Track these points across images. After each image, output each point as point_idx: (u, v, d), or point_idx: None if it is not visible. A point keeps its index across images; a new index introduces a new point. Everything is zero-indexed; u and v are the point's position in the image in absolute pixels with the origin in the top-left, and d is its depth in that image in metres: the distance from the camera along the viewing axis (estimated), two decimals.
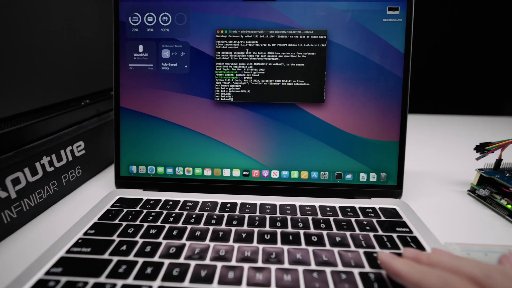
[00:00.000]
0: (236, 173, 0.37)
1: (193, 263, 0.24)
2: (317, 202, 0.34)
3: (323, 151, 0.36)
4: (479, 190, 0.36)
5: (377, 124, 0.36)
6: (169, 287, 0.22)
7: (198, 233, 0.28)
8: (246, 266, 0.24)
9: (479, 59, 0.86)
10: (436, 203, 0.36)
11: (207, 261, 0.25)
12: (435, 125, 0.71)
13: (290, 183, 0.37)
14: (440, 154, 0.53)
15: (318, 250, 0.26)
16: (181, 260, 0.25)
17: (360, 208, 0.33)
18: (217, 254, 0.25)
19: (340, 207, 0.33)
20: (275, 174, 0.37)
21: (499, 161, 0.37)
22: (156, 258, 0.25)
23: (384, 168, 0.36)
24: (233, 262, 0.24)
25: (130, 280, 0.23)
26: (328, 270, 0.24)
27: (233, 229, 0.29)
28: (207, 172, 0.37)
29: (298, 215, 0.32)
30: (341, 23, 0.35)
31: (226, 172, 0.37)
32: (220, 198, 0.35)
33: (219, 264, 0.24)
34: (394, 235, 0.28)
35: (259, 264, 0.24)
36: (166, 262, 0.24)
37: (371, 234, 0.28)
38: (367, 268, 0.24)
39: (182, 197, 0.35)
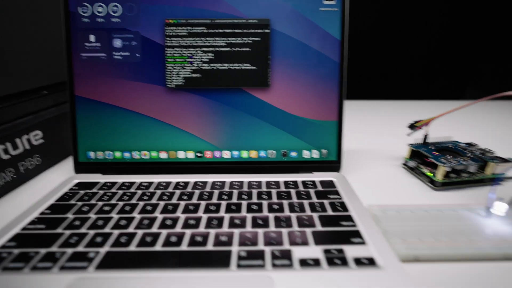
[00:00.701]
0: (190, 154, 0.39)
1: (140, 232, 0.27)
2: (264, 178, 0.37)
3: (269, 132, 0.39)
4: (408, 162, 0.41)
5: (318, 105, 0.39)
6: (116, 252, 0.24)
7: (149, 207, 0.31)
8: (189, 231, 0.27)
9: (444, 46, 0.91)
10: (371, 175, 0.41)
11: (154, 229, 0.27)
12: (388, 109, 0.76)
13: (240, 162, 0.40)
14: (385, 134, 0.57)
15: (256, 216, 0.29)
16: (130, 230, 0.27)
17: (302, 181, 0.37)
18: (164, 223, 0.28)
19: (285, 181, 0.36)
20: (226, 154, 0.40)
21: (425, 136, 0.42)
22: (107, 230, 0.27)
23: (325, 145, 0.40)
24: (178, 229, 0.27)
25: (80, 248, 0.25)
26: (261, 231, 0.27)
27: (183, 203, 0.32)
28: (163, 155, 0.39)
29: (245, 189, 0.35)
30: (282, 12, 0.38)
31: (181, 154, 0.39)
32: (175, 179, 0.37)
33: (165, 231, 0.27)
34: (326, 201, 0.32)
35: (201, 229, 0.27)
36: (116, 232, 0.27)
37: (306, 201, 0.32)
38: (295, 227, 0.27)
39: (139, 179, 0.37)
